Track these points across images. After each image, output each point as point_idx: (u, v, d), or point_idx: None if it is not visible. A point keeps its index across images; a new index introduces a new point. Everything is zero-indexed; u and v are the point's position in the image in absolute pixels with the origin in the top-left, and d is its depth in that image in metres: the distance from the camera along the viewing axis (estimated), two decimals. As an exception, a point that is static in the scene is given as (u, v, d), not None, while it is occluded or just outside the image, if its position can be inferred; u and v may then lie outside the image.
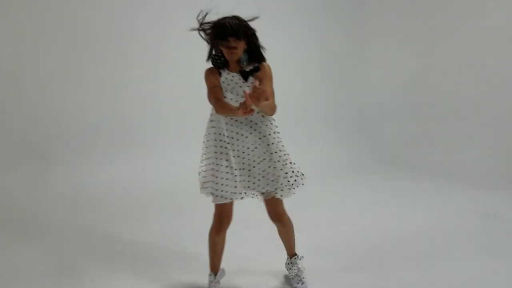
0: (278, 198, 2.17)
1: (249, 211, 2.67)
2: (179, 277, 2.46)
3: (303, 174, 2.17)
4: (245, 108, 1.78)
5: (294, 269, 2.33)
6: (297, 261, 2.35)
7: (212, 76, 2.10)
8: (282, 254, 2.43)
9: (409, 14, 5.54)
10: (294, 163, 2.16)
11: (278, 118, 4.96)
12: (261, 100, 1.79)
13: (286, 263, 2.40)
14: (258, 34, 2.20)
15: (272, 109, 2.08)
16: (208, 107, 2.25)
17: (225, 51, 2.03)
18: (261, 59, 2.12)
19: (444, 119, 5.23)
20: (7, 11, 3.64)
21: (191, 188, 2.68)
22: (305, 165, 4.80)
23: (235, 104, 2.03)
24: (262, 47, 2.12)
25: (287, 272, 2.42)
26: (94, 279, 2.45)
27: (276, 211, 2.22)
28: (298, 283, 2.30)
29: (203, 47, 4.42)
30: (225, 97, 2.07)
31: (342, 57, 5.83)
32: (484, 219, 3.36)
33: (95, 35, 4.07)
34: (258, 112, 2.08)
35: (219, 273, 2.21)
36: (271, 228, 2.35)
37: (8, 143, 3.74)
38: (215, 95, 2.05)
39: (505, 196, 3.92)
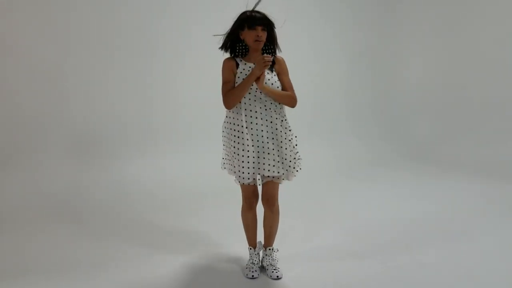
0: (275, 182, 2.23)
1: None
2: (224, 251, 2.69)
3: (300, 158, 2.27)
4: (265, 60, 2.01)
5: (269, 259, 2.35)
6: (273, 253, 2.37)
7: (228, 69, 2.18)
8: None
9: (439, 12, 5.46)
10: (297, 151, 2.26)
11: (307, 115, 5.15)
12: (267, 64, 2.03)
13: (262, 255, 2.42)
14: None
15: (292, 100, 2.20)
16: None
17: (251, 39, 2.12)
18: (274, 52, 2.23)
19: (473, 116, 5.14)
20: (42, 15, 3.79)
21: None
22: (334, 159, 5.06)
23: (249, 95, 2.14)
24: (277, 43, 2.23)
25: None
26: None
27: (272, 194, 2.24)
28: (273, 271, 2.29)
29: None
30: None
31: (371, 54, 5.81)
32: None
33: (133, 40, 4.22)
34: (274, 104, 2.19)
35: (257, 246, 2.38)
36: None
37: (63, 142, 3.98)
38: (225, 90, 2.16)
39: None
